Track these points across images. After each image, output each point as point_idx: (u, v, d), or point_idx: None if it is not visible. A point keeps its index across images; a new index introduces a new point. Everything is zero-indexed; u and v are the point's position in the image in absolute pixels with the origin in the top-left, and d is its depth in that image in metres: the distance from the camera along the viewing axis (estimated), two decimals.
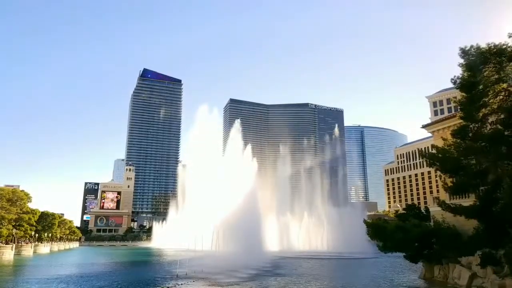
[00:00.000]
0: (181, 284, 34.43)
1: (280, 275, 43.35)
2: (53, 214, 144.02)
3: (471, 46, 29.70)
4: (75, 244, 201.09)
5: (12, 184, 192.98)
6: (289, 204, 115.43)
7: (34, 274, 50.79)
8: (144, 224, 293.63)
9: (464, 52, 29.60)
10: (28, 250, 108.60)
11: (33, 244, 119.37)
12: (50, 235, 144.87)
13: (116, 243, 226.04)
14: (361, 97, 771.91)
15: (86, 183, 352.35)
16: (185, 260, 54.10)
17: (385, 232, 33.98)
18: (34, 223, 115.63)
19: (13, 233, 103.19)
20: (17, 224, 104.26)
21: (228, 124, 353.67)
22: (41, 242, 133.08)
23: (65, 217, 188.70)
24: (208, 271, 42.13)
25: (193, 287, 33.04)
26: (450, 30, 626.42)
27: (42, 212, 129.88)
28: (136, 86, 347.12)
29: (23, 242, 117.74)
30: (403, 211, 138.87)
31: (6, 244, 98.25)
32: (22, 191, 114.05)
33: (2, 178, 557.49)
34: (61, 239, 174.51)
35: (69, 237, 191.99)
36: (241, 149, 74.40)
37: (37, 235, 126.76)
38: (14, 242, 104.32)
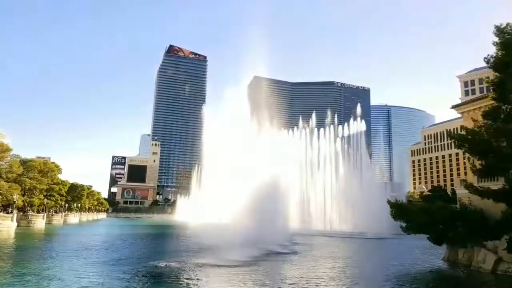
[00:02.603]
0: (204, 257, 35.23)
1: (302, 252, 43.80)
2: (82, 186, 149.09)
3: (507, 24, 28.42)
4: (103, 215, 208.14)
5: (44, 156, 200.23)
6: (312, 181, 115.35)
7: (63, 243, 53.04)
8: (169, 198, 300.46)
9: (499, 30, 28.35)
10: (58, 220, 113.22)
11: (63, 214, 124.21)
12: (79, 205, 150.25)
13: (142, 215, 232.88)
14: (389, 77, 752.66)
15: (113, 157, 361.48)
16: (208, 233, 55.25)
17: (409, 213, 33.60)
18: (64, 194, 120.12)
19: (44, 203, 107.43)
20: (48, 194, 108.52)
21: (252, 101, 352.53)
22: (71, 212, 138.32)
23: (95, 187, 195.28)
24: (228, 245, 42.81)
25: (215, 260, 33.76)
26: (484, 7, 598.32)
27: (71, 184, 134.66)
28: (162, 62, 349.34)
29: (53, 212, 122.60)
30: (429, 193, 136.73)
31: (37, 213, 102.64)
32: (53, 163, 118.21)
33: (33, 149, 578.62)
34: (89, 210, 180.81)
35: (97, 208, 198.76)
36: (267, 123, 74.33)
37: (67, 205, 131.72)
38: (45, 212, 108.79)
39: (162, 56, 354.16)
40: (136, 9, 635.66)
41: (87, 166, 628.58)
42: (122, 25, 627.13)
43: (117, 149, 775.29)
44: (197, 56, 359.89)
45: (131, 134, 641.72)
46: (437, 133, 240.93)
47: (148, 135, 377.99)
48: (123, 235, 72.33)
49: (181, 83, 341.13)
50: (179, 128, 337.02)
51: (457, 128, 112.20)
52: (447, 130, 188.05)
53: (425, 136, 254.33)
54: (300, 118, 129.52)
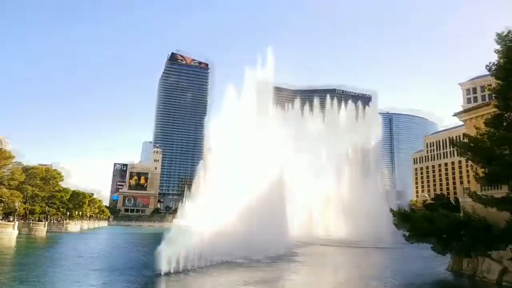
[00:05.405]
0: (207, 265, 34.94)
1: (304, 261, 43.45)
2: (83, 193, 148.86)
3: (509, 31, 28.37)
4: (104, 223, 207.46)
5: (46, 162, 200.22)
6: (314, 189, 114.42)
7: (64, 251, 52.80)
8: (170, 205, 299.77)
9: (500, 38, 28.32)
10: (59, 228, 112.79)
11: (64, 222, 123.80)
12: (80, 213, 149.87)
13: (143, 223, 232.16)
14: (391, 83, 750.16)
15: (115, 164, 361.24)
16: (210, 242, 54.87)
17: (412, 222, 33.30)
18: (66, 201, 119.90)
19: (46, 211, 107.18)
20: (49, 202, 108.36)
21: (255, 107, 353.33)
22: (72, 220, 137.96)
23: (96, 195, 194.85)
24: (231, 253, 42.49)
25: (216, 268, 33.54)
26: (486, 14, 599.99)
27: (73, 191, 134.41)
28: (164, 69, 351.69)
29: (55, 220, 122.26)
30: (431, 201, 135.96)
31: (39, 221, 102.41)
32: (55, 170, 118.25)
33: (37, 155, 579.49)
34: (90, 217, 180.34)
35: (98, 216, 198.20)
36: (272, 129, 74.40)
37: (68, 213, 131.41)
38: (46, 220, 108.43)
39: (164, 63, 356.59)
40: (139, 13, 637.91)
41: (88, 173, 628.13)
42: (124, 29, 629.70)
43: (119, 157, 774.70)
44: (199, 63, 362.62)
45: (133, 142, 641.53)
46: (439, 140, 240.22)
47: (150, 142, 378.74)
48: (124, 243, 72.02)
49: (183, 91, 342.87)
50: (181, 135, 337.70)
51: (459, 136, 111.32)
52: (449, 137, 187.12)
53: (427, 143, 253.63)
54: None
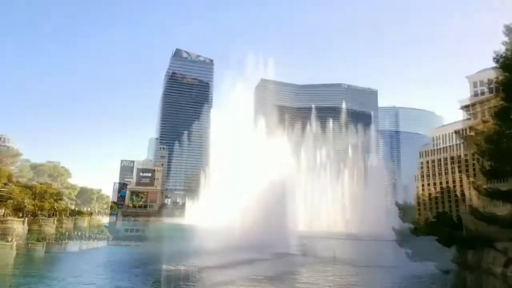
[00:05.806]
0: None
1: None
2: (91, 189, 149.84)
3: None
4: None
5: (53, 160, 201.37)
6: (316, 189, 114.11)
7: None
8: (177, 201, 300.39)
9: (508, 30, 28.09)
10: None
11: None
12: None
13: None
14: (391, 83, 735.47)
15: (122, 161, 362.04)
16: (216, 237, 55.10)
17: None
18: (74, 198, 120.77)
19: (55, 207, 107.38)
20: (58, 198, 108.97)
21: (259, 104, 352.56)
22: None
23: (97, 194, 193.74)
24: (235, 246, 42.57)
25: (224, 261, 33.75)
26: (495, 5, 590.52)
27: (81, 187, 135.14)
28: (169, 66, 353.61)
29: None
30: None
31: (49, 217, 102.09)
32: (63, 167, 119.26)
33: (36, 156, 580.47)
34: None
35: (106, 211, 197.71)
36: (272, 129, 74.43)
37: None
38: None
39: (169, 60, 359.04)
40: (139, 13, 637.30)
41: (87, 173, 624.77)
42: (124, 28, 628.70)
43: (125, 154, 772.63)
44: (204, 59, 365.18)
45: (139, 138, 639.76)
46: (446, 134, 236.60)
47: (156, 138, 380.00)
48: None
49: (188, 87, 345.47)
50: (187, 131, 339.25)
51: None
52: (456, 130, 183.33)
53: (434, 137, 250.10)
54: (308, 124, 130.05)
